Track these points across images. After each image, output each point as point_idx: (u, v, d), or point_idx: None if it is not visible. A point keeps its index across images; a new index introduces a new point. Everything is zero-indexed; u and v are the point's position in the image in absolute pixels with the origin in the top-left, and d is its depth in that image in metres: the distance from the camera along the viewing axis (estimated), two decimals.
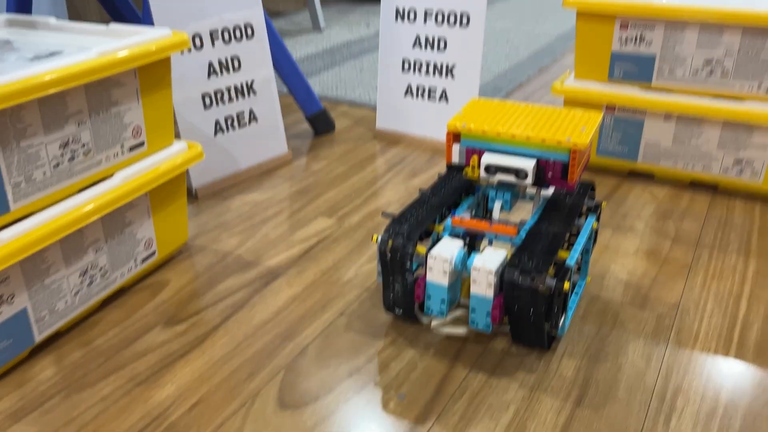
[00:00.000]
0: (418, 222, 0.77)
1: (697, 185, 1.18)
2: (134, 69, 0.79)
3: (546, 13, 2.65)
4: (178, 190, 0.91)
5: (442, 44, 1.30)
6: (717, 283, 0.89)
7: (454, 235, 0.79)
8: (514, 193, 0.81)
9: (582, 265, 0.86)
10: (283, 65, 1.32)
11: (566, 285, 0.70)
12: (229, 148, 1.18)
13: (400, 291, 0.77)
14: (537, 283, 0.68)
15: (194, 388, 0.71)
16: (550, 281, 0.68)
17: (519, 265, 0.70)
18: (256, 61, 1.20)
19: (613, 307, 0.84)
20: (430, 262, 0.72)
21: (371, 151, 1.33)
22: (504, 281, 0.70)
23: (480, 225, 0.77)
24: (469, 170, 0.80)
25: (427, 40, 1.31)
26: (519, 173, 0.76)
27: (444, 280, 0.72)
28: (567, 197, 0.83)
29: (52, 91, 0.67)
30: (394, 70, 1.36)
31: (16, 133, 0.67)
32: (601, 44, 1.15)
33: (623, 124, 1.17)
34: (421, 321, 0.79)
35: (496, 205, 0.80)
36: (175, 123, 1.12)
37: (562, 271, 0.71)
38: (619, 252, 0.96)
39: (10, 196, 0.68)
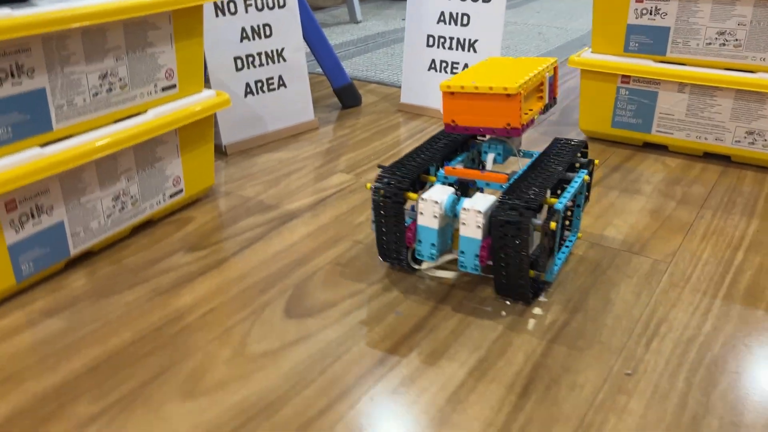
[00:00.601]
0: (411, 171, 0.79)
1: (710, 156, 1.20)
2: (169, 13, 0.86)
3: (581, 12, 2.68)
4: (206, 135, 0.98)
5: (465, 19, 1.36)
6: (716, 237, 0.92)
7: (447, 183, 0.81)
8: (506, 148, 0.83)
9: (573, 220, 0.88)
10: (313, 37, 1.39)
11: (553, 224, 0.71)
12: (258, 110, 1.25)
13: (393, 239, 0.79)
14: (525, 219, 0.69)
15: (209, 298, 0.77)
16: (537, 218, 0.71)
17: (508, 204, 0.72)
18: (287, 31, 1.27)
19: (611, 252, 0.88)
20: (421, 205, 0.75)
21: (394, 122, 1.38)
22: (492, 220, 0.71)
23: (471, 173, 0.79)
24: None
25: (451, 15, 1.37)
26: None
27: (434, 224, 0.74)
28: (558, 153, 0.85)
29: (93, 22, 0.75)
30: (419, 45, 1.42)
31: (61, 60, 0.75)
32: (617, 17, 1.18)
33: (638, 96, 1.20)
34: (413, 269, 0.83)
35: (489, 157, 0.83)
36: (208, 81, 1.20)
37: (549, 212, 0.73)
38: (624, 210, 1.00)
39: (53, 117, 0.75)
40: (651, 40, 1.17)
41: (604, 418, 0.60)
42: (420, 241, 0.77)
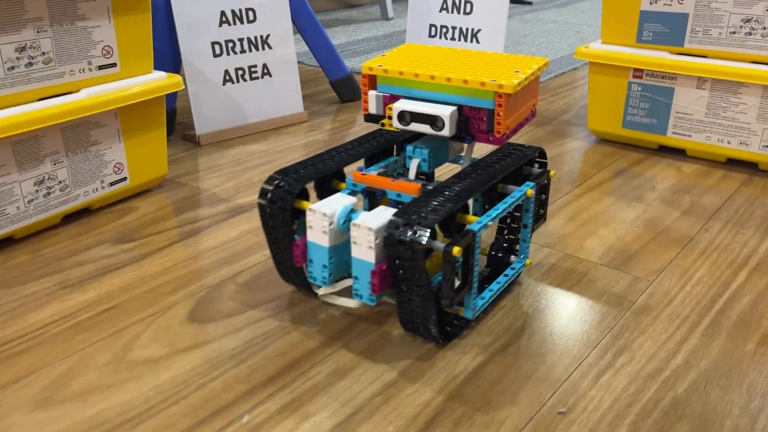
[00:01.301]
0: (310, 174, 0.65)
1: (734, 163, 1.05)
2: None
3: None
4: (156, 120, 0.91)
5: (468, 7, 1.25)
6: (718, 254, 0.78)
7: (354, 193, 0.67)
8: (436, 150, 0.67)
9: (520, 243, 0.71)
10: (306, 25, 1.31)
11: (456, 249, 0.55)
12: (238, 100, 1.18)
13: (281, 256, 0.65)
14: (417, 239, 0.55)
15: (114, 295, 0.70)
16: (431, 237, 0.55)
17: (399, 220, 0.56)
18: (273, 16, 1.19)
19: (585, 266, 0.75)
20: (309, 217, 0.61)
21: None
22: (384, 238, 0.57)
23: (380, 181, 0.65)
24: (386, 121, 0.67)
25: (453, 3, 1.26)
26: (435, 122, 0.63)
27: (324, 241, 0.61)
28: (499, 161, 0.68)
29: None
30: (421, 36, 1.32)
31: None
32: (629, 2, 1.05)
33: (652, 92, 1.06)
34: (314, 292, 0.69)
35: (413, 164, 0.66)
36: (182, 67, 1.14)
37: (460, 235, 0.57)
38: (615, 219, 0.87)
39: None
40: (667, 29, 1.03)
41: None
42: (311, 261, 0.63)
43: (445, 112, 0.63)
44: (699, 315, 0.66)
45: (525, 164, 0.70)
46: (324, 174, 0.66)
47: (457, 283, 0.60)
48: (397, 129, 0.66)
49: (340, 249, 0.63)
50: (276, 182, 0.63)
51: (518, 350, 0.61)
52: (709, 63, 0.99)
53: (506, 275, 0.68)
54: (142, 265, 0.76)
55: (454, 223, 0.61)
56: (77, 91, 0.81)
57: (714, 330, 0.64)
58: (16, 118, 0.73)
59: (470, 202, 0.71)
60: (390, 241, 0.56)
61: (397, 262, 0.57)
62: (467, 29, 1.25)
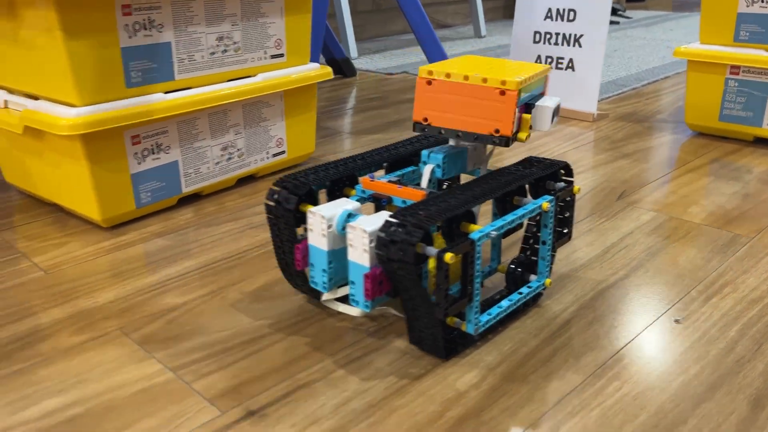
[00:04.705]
0: (319, 179, 0.65)
1: None
2: None
3: None
4: (309, 104, 1.08)
5: (571, 15, 1.38)
6: None
7: (364, 199, 0.67)
8: (452, 158, 0.66)
9: (539, 261, 0.67)
10: (424, 35, 1.47)
11: (448, 256, 0.53)
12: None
13: (284, 258, 0.66)
14: (409, 240, 0.53)
15: None
16: (425, 242, 0.54)
17: (395, 222, 0.55)
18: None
19: (688, 225, 0.86)
20: (310, 220, 0.61)
21: None
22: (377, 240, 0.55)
23: (386, 188, 0.65)
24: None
25: (558, 11, 1.40)
26: None
27: (323, 244, 0.60)
28: (516, 170, 0.66)
29: None
30: (525, 42, 1.46)
31: (185, 20, 0.87)
32: (726, 5, 1.15)
33: (748, 87, 1.16)
34: (317, 298, 0.69)
35: (426, 170, 0.65)
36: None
37: (457, 242, 0.55)
38: (713, 192, 0.97)
39: (175, 68, 0.88)
40: (763, 29, 1.13)
41: (638, 353, 0.60)
42: (312, 265, 0.62)
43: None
44: None
45: (548, 178, 0.68)
46: (334, 179, 0.66)
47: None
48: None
49: (341, 254, 0.62)
50: (284, 184, 0.64)
51: (631, 282, 0.73)
52: None
53: (520, 293, 0.65)
54: None
55: (458, 231, 0.59)
56: (255, 75, 0.99)
57: None
58: (215, 93, 0.91)
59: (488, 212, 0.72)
60: (382, 241, 0.55)
61: (390, 264, 0.55)
62: (570, 35, 1.38)
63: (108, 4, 0.79)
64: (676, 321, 0.65)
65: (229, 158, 0.99)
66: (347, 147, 1.22)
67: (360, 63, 2.03)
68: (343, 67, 1.79)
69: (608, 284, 0.72)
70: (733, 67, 1.17)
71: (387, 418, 0.53)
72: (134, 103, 0.84)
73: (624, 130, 1.30)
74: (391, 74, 1.89)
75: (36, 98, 0.86)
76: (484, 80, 0.61)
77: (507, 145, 0.62)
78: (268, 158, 1.05)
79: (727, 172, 1.05)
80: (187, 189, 0.94)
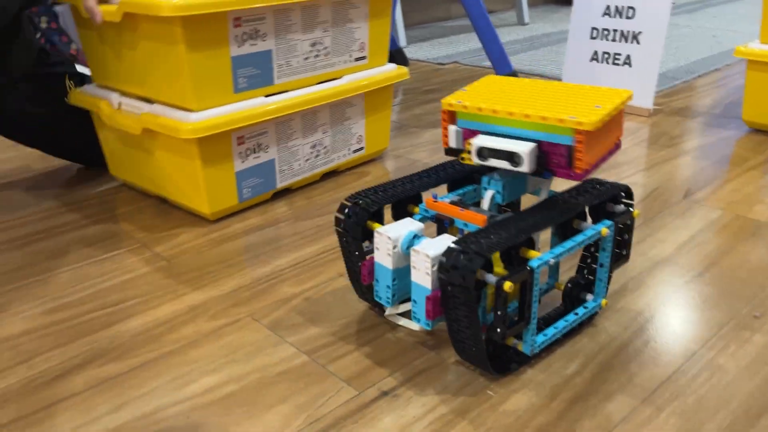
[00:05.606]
0: (385, 197, 0.69)
1: None
2: None
3: (759, 16, 2.57)
4: (386, 102, 1.15)
5: (630, 12, 1.42)
6: None
7: (426, 219, 0.71)
8: (512, 184, 0.67)
9: (596, 283, 0.69)
10: (482, 24, 1.52)
11: (507, 284, 0.56)
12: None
13: (353, 273, 0.70)
14: (469, 267, 0.56)
15: None
16: (485, 269, 0.57)
17: (457, 249, 0.58)
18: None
19: (754, 224, 0.92)
20: (376, 239, 0.65)
21: None
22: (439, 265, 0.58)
23: (449, 209, 0.67)
24: (465, 155, 0.67)
25: (617, 9, 1.44)
26: (514, 158, 0.63)
27: (388, 263, 0.64)
28: (578, 195, 0.67)
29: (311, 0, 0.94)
30: (583, 38, 1.50)
31: (285, 28, 0.94)
32: None
33: None
34: (383, 311, 0.73)
35: (487, 195, 0.67)
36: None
37: (516, 270, 0.58)
38: None
39: (275, 74, 0.95)
40: None
41: (726, 345, 0.67)
42: (377, 281, 0.67)
43: (523, 148, 0.62)
44: None
45: (608, 201, 0.69)
46: (400, 197, 0.70)
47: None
48: (476, 164, 0.66)
49: (404, 272, 0.66)
50: (356, 200, 0.68)
51: (717, 275, 0.79)
52: None
53: (576, 314, 0.68)
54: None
55: (517, 257, 0.61)
56: (340, 77, 1.06)
57: None
58: (308, 96, 0.98)
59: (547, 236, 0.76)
60: (444, 266, 0.57)
61: (449, 288, 0.58)
62: (628, 32, 1.43)
63: (222, 18, 0.86)
64: (755, 317, 0.71)
65: (317, 155, 1.06)
66: (416, 141, 1.28)
67: (409, 52, 2.08)
68: (396, 58, 1.85)
69: (686, 279, 0.79)
70: None
71: (507, 397, 0.60)
72: (241, 107, 0.91)
73: (680, 126, 1.35)
74: (442, 64, 1.94)
75: (150, 101, 0.93)
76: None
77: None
78: (349, 154, 1.12)
79: None
80: (281, 184, 1.02)
